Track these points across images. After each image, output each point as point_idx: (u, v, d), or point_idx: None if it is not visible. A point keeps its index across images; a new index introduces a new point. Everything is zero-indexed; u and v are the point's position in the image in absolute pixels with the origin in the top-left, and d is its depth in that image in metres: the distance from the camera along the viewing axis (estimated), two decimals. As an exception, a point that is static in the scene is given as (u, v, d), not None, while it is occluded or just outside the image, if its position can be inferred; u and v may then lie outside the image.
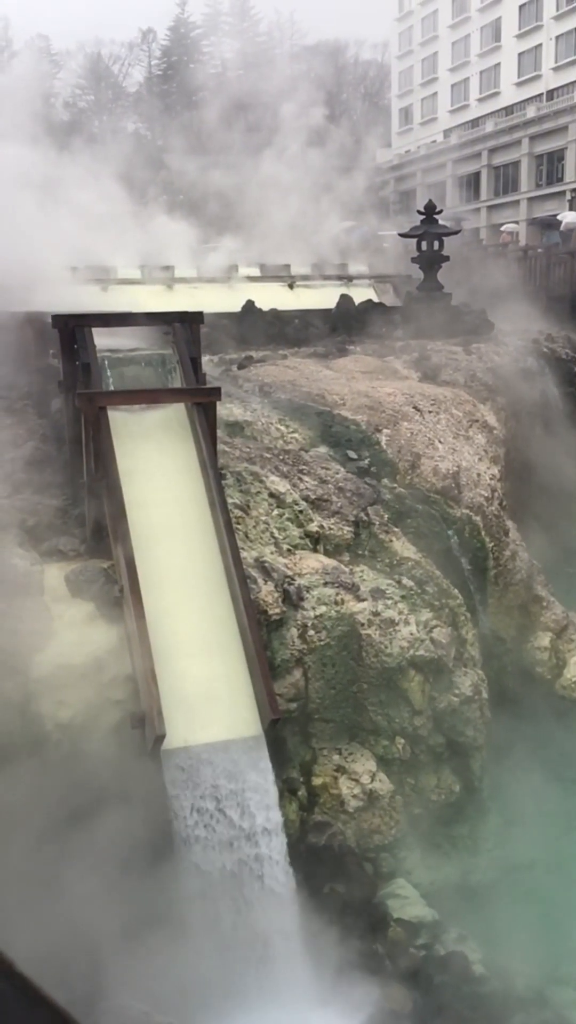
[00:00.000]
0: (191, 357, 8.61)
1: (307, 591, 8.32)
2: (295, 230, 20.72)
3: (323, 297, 17.91)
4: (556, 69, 50.47)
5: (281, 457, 10.24)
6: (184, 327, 8.79)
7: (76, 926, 5.83)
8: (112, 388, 8.48)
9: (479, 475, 11.46)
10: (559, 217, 30.23)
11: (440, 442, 11.46)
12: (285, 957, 6.70)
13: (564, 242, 26.35)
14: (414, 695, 8.45)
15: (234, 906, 6.59)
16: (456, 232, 20.08)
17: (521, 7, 53.01)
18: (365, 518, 9.69)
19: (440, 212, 18.47)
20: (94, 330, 8.49)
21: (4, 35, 71.20)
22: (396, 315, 16.84)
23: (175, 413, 8.30)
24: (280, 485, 9.52)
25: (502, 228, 35.28)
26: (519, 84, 54.09)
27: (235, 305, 16.18)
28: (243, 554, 7.86)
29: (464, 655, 9.14)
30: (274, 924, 6.69)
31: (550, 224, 30.84)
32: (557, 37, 50.18)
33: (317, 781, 7.98)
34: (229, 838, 6.61)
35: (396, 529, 9.83)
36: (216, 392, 8.26)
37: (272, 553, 8.64)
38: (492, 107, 56.70)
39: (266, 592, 8.02)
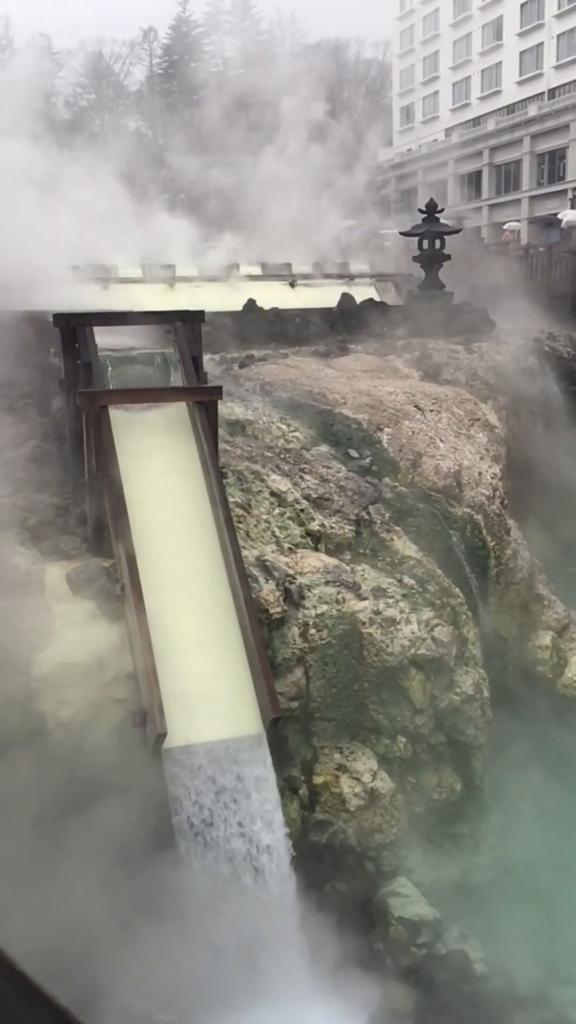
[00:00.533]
0: (192, 356, 8.61)
1: (308, 590, 8.32)
2: (296, 229, 20.69)
3: (324, 296, 17.87)
4: (558, 67, 50.38)
5: (282, 456, 10.23)
6: (185, 326, 8.78)
7: (79, 919, 5.84)
8: (113, 387, 8.48)
9: (480, 474, 11.45)
10: (560, 215, 30.22)
11: (441, 441, 11.46)
12: (285, 955, 6.71)
13: (565, 240, 26.37)
14: (415, 694, 8.45)
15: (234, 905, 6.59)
16: (457, 231, 20.06)
17: (523, 5, 52.91)
18: (366, 517, 9.68)
19: (441, 211, 18.46)
20: (95, 329, 8.49)
21: (5, 34, 71.26)
22: (397, 314, 16.81)
23: (176, 412, 8.30)
24: (281, 484, 9.52)
25: (504, 227, 35.26)
26: (520, 82, 53.98)
27: (236, 304, 16.17)
28: (244, 553, 7.86)
29: (465, 654, 9.13)
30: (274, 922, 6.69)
31: (551, 222, 30.86)
32: (559, 35, 50.09)
33: (318, 780, 7.98)
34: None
35: (397, 528, 9.83)
36: (217, 391, 8.26)
37: (273, 552, 8.64)
38: (493, 105, 56.60)
39: (267, 591, 8.01)
